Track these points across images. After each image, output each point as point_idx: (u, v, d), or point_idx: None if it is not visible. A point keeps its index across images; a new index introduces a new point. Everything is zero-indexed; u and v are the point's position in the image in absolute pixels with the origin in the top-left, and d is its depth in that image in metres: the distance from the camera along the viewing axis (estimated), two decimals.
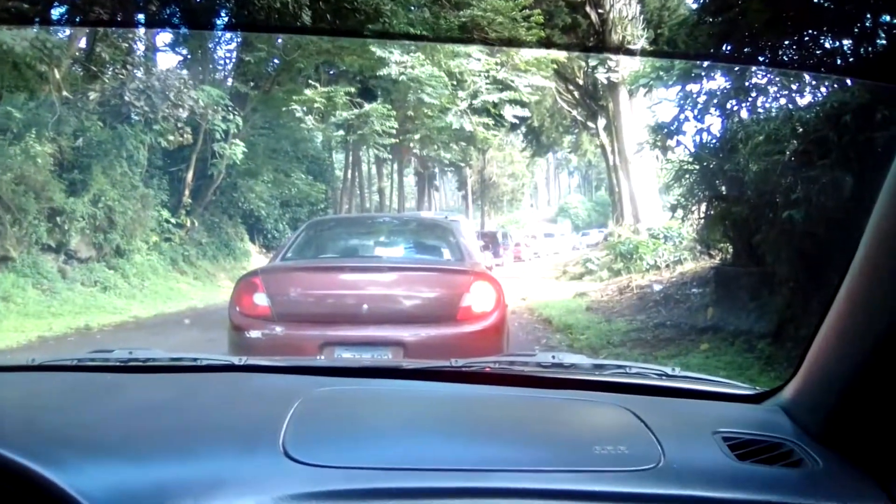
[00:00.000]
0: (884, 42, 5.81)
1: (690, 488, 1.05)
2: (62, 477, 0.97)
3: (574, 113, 25.95)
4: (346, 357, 4.41)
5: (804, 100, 7.61)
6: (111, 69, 15.91)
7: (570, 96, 25.18)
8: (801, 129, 6.85)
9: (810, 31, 6.74)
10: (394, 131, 20.79)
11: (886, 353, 1.03)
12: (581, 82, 23.88)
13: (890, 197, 0.98)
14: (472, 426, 1.30)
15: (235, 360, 1.67)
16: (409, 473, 1.06)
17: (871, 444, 1.12)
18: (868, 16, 6.11)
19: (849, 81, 6.24)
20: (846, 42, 6.56)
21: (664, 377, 1.55)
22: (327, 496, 1.02)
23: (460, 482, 1.05)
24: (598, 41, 19.98)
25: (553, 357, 1.64)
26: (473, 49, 19.88)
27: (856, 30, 6.30)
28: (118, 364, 1.63)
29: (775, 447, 1.18)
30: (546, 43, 19.73)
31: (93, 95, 15.30)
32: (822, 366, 1.20)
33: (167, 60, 26.10)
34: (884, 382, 1.06)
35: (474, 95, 20.71)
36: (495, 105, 20.97)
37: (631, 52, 18.64)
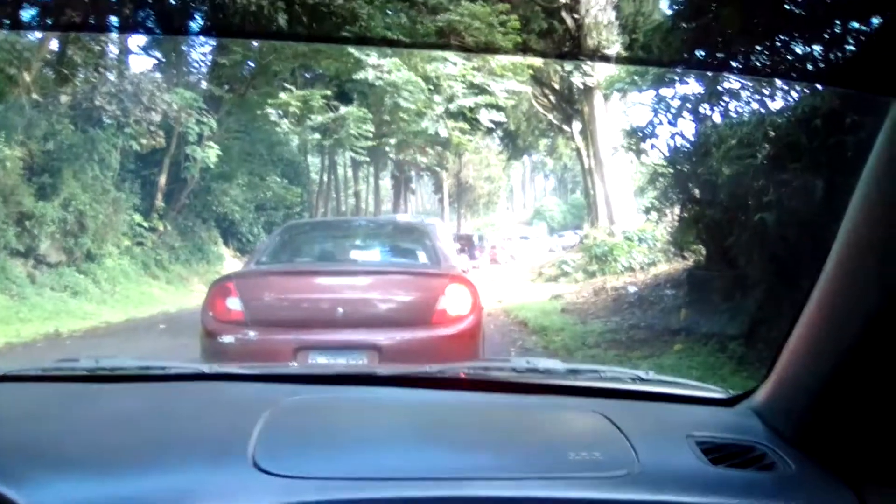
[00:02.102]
0: (853, 48, 5.90)
1: (665, 493, 1.05)
2: (23, 494, 0.94)
3: (550, 117, 26.06)
4: (321, 361, 4.38)
5: (776, 104, 7.72)
6: (83, 72, 15.71)
7: (546, 100, 25.29)
8: (772, 134, 6.93)
9: (782, 38, 6.82)
10: (370, 135, 20.73)
11: (858, 357, 1.04)
12: (557, 86, 23.99)
13: (862, 201, 0.99)
14: (447, 434, 1.29)
15: (205, 369, 1.64)
16: (382, 483, 1.05)
17: (842, 447, 1.12)
18: (837, 22, 6.20)
19: (819, 87, 6.33)
20: (817, 48, 6.64)
21: (638, 381, 1.55)
22: None
23: (435, 491, 1.04)
24: (573, 46, 20.08)
25: (528, 362, 1.63)
26: (450, 53, 19.90)
27: (826, 36, 6.38)
28: (84, 374, 1.59)
29: (748, 451, 1.18)
30: (523, 48, 19.81)
31: (64, 98, 15.08)
32: (794, 369, 1.20)
33: (140, 63, 25.89)
34: (855, 386, 1.07)
35: (450, 100, 20.71)
36: (471, 109, 20.99)
37: (606, 59, 18.77)
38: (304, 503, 1.00)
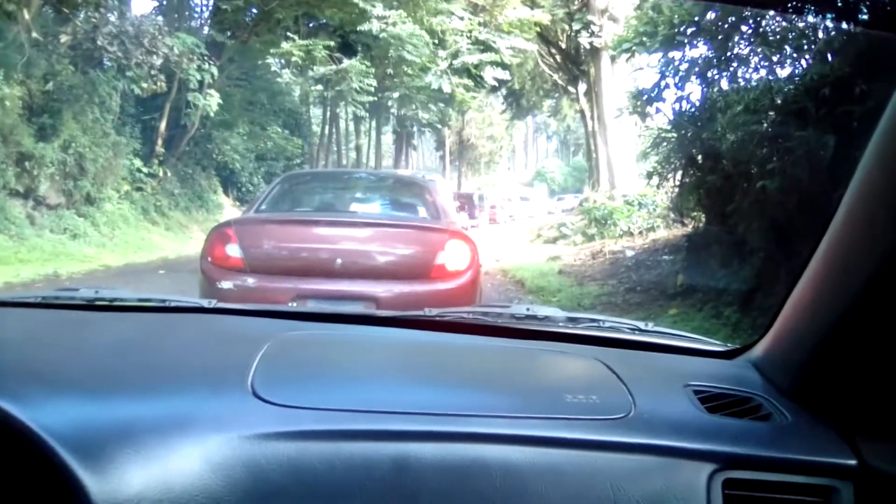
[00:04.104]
0: None
1: (660, 437, 1.06)
2: (23, 411, 0.95)
3: (555, 77, 25.80)
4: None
5: (784, 71, 7.62)
6: (83, 12, 15.44)
7: (551, 60, 25.01)
8: (779, 101, 6.86)
9: None
10: (372, 89, 20.51)
11: (856, 314, 1.05)
12: (564, 46, 23.69)
13: (878, 145, 0.98)
14: (445, 373, 1.30)
15: (205, 303, 1.64)
16: (380, 416, 1.06)
17: (837, 399, 1.14)
18: None
19: (829, 55, 6.24)
20: None
21: (637, 331, 1.56)
22: (296, 436, 1.01)
23: (432, 426, 1.05)
24: (583, 2, 19.79)
25: (527, 309, 1.63)
26: (456, 7, 19.59)
27: None
28: (83, 302, 1.59)
29: (745, 401, 1.19)
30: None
31: (64, 38, 14.85)
32: (794, 325, 1.21)
33: (141, 5, 25.47)
34: (852, 342, 1.08)
35: (455, 55, 20.46)
36: (476, 66, 20.75)
37: None
38: (301, 432, 1.01)
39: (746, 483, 1.04)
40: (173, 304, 1.62)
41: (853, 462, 1.06)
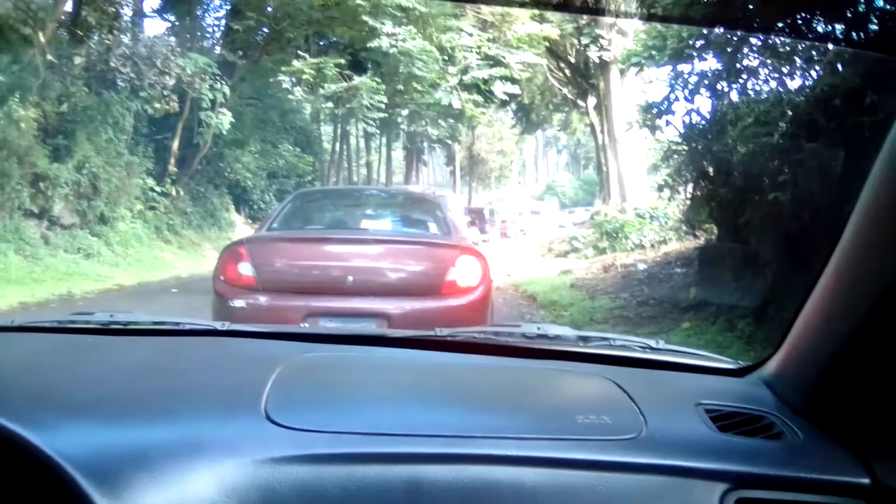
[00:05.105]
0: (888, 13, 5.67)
1: (672, 458, 1.06)
2: (39, 436, 0.96)
3: (565, 91, 25.86)
4: (331, 326, 4.41)
5: (794, 83, 7.62)
6: (97, 34, 15.65)
7: (561, 74, 25.08)
8: (790, 112, 6.85)
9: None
10: (383, 105, 20.61)
11: (868, 331, 1.04)
12: (573, 60, 23.77)
13: (884, 169, 0.98)
14: (457, 394, 1.30)
15: (218, 325, 1.66)
16: (392, 439, 1.06)
17: (850, 418, 1.13)
18: None
19: (841, 64, 6.22)
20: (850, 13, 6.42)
21: (648, 350, 1.55)
22: (309, 460, 1.01)
23: (444, 448, 1.05)
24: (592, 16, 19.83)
25: (538, 328, 1.63)
26: (465, 23, 19.70)
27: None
28: (99, 326, 1.61)
29: (757, 420, 1.19)
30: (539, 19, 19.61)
31: (78, 60, 15.06)
32: (805, 342, 1.20)
33: (154, 26, 25.81)
34: (864, 359, 1.07)
35: (465, 71, 20.52)
36: (486, 81, 20.81)
37: (631, 15, 18.27)
38: (314, 455, 1.02)
39: (759, 502, 1.04)
40: (187, 327, 1.64)
41: (866, 481, 1.05)
